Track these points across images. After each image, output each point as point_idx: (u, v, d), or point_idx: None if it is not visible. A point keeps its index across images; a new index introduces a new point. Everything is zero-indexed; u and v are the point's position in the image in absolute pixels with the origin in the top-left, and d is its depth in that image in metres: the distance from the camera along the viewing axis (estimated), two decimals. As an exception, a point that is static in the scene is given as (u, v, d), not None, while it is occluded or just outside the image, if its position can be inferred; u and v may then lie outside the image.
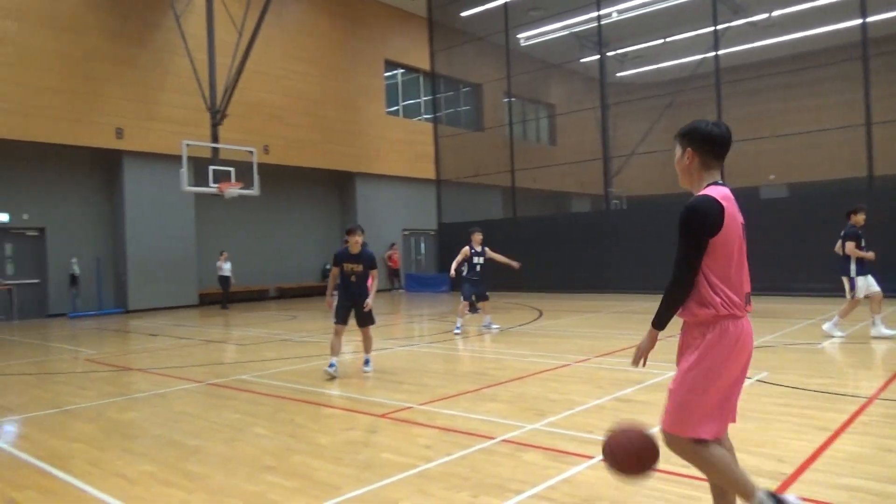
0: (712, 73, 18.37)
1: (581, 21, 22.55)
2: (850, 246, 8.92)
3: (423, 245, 26.93)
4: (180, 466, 4.34)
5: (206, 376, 7.83)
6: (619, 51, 25.59)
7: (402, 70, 26.27)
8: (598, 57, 21.42)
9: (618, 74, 27.18)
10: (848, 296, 9.14)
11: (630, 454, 2.78)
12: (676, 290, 2.70)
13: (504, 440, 4.64)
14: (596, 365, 7.62)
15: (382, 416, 5.52)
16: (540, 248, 20.68)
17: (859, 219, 9.01)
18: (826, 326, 9.23)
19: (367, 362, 7.74)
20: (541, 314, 14.01)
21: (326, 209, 24.47)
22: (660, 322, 2.80)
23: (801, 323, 10.90)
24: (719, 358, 2.66)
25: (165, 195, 18.57)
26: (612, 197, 21.60)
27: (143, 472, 4.25)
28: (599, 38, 20.70)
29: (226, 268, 18.97)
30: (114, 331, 14.03)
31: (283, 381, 7.35)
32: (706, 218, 2.61)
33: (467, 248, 11.21)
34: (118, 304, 18.77)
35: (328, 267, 10.77)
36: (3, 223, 17.12)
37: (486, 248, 11.36)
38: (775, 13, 21.59)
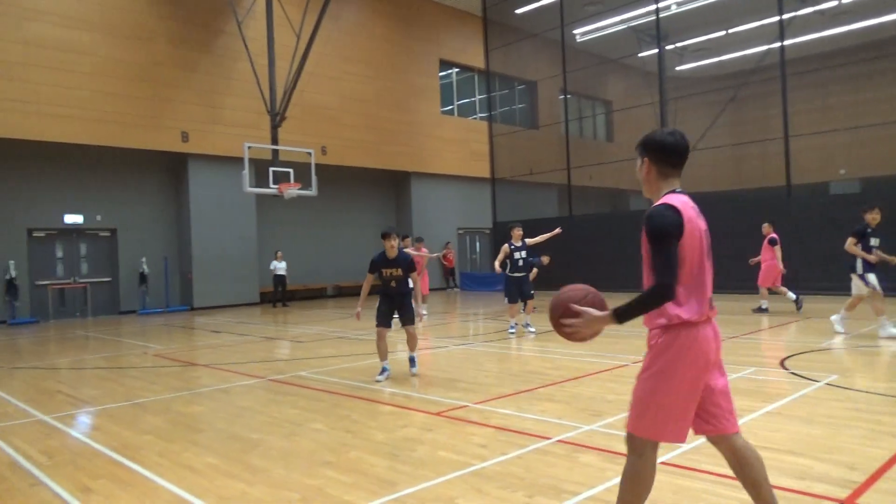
0: (777, 65, 17.67)
1: (639, 14, 22.07)
2: (849, 242, 8.91)
3: (478, 244, 26.93)
4: (242, 459, 4.48)
5: (267, 372, 8.04)
6: (679, 44, 24.95)
7: (456, 69, 26.32)
8: (656, 51, 20.95)
9: (677, 68, 26.50)
10: (864, 292, 8.97)
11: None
12: (660, 298, 2.58)
13: (560, 441, 4.60)
14: (655, 366, 7.45)
15: (437, 414, 5.55)
16: (596, 247, 20.38)
17: (871, 217, 8.90)
18: (833, 318, 9.50)
19: (412, 362, 7.57)
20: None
21: (382, 208, 24.75)
22: (624, 316, 2.65)
23: (871, 325, 10.39)
24: (672, 362, 2.65)
25: (228, 196, 19.17)
26: (671, 194, 21.08)
27: (208, 463, 4.40)
28: (658, 31, 20.23)
29: (280, 267, 19.44)
30: (180, 327, 14.56)
31: (339, 377, 7.48)
32: (669, 226, 2.60)
33: (506, 245, 11.00)
34: (184, 301, 19.48)
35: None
36: (78, 224, 18.00)
37: (526, 241, 11.07)
38: (845, 0, 20.65)
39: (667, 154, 2.76)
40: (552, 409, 5.58)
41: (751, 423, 4.86)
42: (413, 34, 24.13)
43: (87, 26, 16.91)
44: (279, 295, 19.51)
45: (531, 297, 11.19)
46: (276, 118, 17.51)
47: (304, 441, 4.88)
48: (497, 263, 11.02)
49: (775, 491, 2.94)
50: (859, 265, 8.93)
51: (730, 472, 3.75)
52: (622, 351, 8.57)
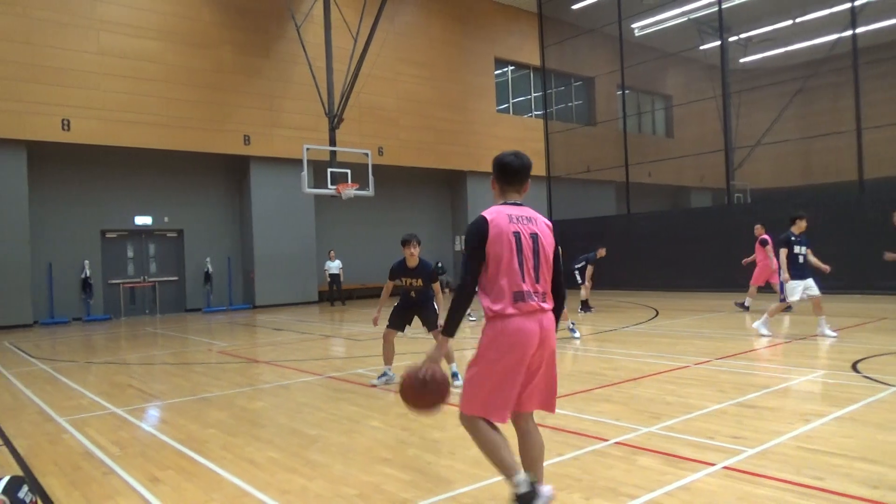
0: (849, 55, 16.86)
1: (700, 6, 21.44)
2: (781, 253, 9.32)
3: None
4: (302, 454, 4.58)
5: (325, 369, 8.19)
6: (743, 35, 24.11)
7: (511, 67, 26.20)
8: (718, 43, 20.30)
9: (741, 60, 25.63)
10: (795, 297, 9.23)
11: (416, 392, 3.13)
12: (457, 293, 3.08)
13: (617, 442, 4.52)
14: (717, 367, 7.24)
15: (493, 413, 5.53)
16: (656, 245, 19.92)
17: (799, 226, 9.30)
18: (756, 324, 9.63)
19: (455, 376, 6.60)
20: (657, 313, 13.50)
21: (438, 208, 24.86)
22: (448, 328, 3.10)
23: (956, 326, 9.81)
24: (490, 351, 3.04)
25: (288, 197, 19.63)
26: (734, 190, 20.42)
27: (269, 458, 4.52)
28: (720, 22, 19.59)
29: (334, 266, 19.77)
30: (243, 325, 15.00)
31: (396, 375, 7.55)
32: (472, 233, 3.11)
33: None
34: (246, 300, 20.05)
35: (440, 265, 9.46)
36: (147, 226, 18.77)
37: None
38: (924, -17, 19.56)
39: (505, 174, 3.25)
40: (610, 410, 5.49)
41: (820, 428, 4.66)
42: (468, 33, 24.15)
43: (157, 36, 17.63)
44: (335, 294, 19.86)
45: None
46: (334, 120, 17.82)
47: (362, 438, 4.95)
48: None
49: (846, 500, 2.83)
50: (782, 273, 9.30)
51: (796, 479, 3.62)
52: (682, 352, 8.36)
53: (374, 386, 6.91)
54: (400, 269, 6.97)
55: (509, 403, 3.06)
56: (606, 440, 4.58)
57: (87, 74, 16.55)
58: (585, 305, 14.12)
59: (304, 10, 19.16)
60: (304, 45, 17.96)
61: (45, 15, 16.04)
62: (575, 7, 23.40)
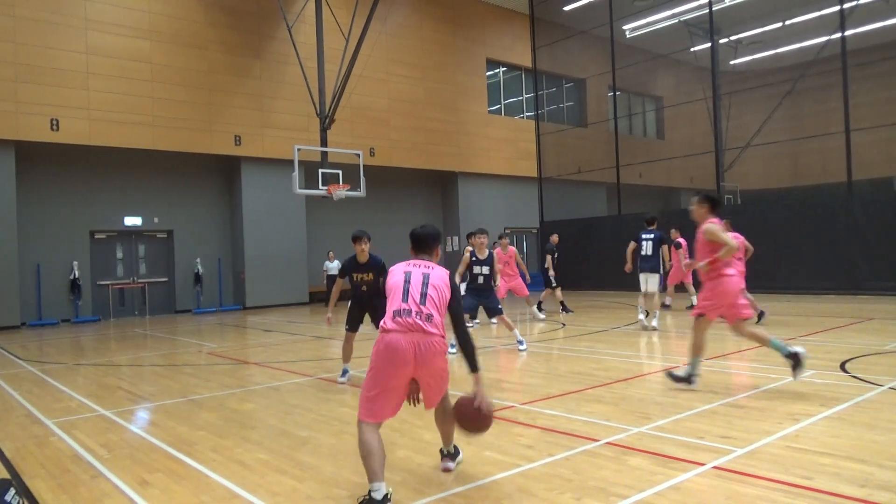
0: (838, 57, 16.99)
1: (690, 8, 21.56)
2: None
3: (525, 243, 26.77)
4: (292, 456, 4.56)
5: (316, 371, 8.17)
6: (733, 37, 24.28)
7: (503, 68, 26.23)
8: (709, 45, 20.42)
9: (731, 62, 25.81)
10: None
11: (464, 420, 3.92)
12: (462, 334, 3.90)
13: (608, 443, 4.53)
14: (706, 368, 7.27)
15: (484, 414, 5.54)
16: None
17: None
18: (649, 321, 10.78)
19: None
20: (647, 314, 13.54)
21: (429, 208, 24.85)
22: (470, 363, 3.90)
23: (943, 326, 9.90)
24: (373, 362, 3.67)
25: (279, 198, 19.57)
26: (724, 192, 20.53)
27: (259, 459, 4.50)
28: (711, 24, 19.70)
29: (332, 267, 19.75)
30: (233, 326, 14.94)
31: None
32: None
33: (467, 254, 9.36)
34: (237, 301, 19.97)
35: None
36: (137, 226, 18.66)
37: (495, 255, 9.48)
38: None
39: (413, 242, 4.06)
40: (600, 410, 5.50)
41: (809, 427, 4.69)
42: (460, 34, 24.16)
43: (147, 35, 17.54)
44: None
45: (499, 312, 9.22)
46: (325, 120, 17.78)
47: (353, 439, 4.92)
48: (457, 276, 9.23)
49: (835, 498, 2.85)
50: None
51: (785, 478, 3.64)
52: (672, 352, 8.40)
53: (341, 384, 7.20)
54: (351, 266, 7.18)
55: (386, 411, 3.65)
56: (597, 440, 4.59)
57: (76, 74, 16.44)
58: (564, 306, 14.23)
59: (296, 11, 19.11)
60: (296, 46, 17.91)
61: (33, 14, 15.92)
62: (566, 9, 23.48)
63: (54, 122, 16.06)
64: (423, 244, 4.02)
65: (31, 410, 6.43)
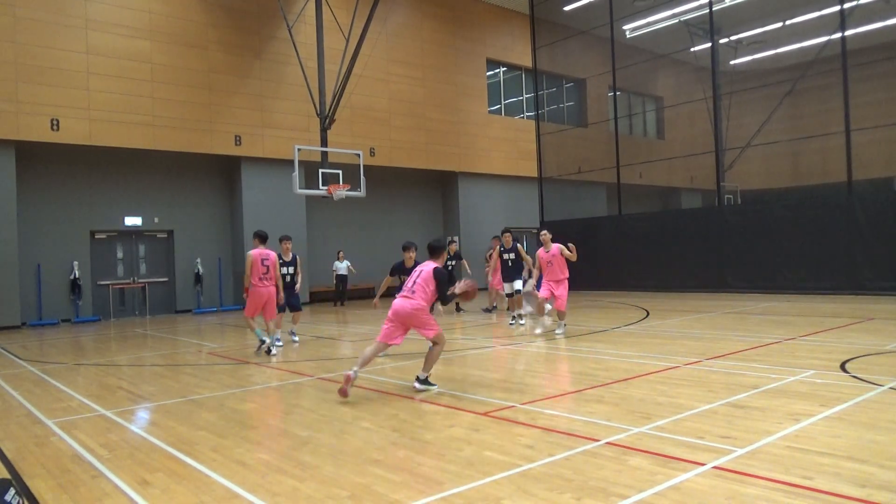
0: (838, 57, 16.99)
1: (691, 8, 21.56)
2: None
3: (525, 243, 26.76)
4: (293, 456, 4.56)
5: (316, 371, 8.17)
6: (733, 37, 24.28)
7: (503, 68, 26.24)
8: (709, 45, 20.41)
9: (731, 62, 25.81)
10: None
11: None
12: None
13: (608, 443, 4.53)
14: (707, 368, 7.28)
15: (484, 414, 5.54)
16: (647, 246, 20.00)
17: (505, 241, 12.76)
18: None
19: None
20: (647, 314, 13.55)
21: (430, 208, 24.86)
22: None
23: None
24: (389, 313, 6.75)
25: (279, 198, 19.57)
26: (724, 192, 20.53)
27: (260, 459, 4.50)
28: (711, 24, 19.70)
29: (342, 267, 19.79)
30: (233, 326, 14.93)
31: (387, 376, 7.55)
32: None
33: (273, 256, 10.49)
34: (237, 301, 19.96)
35: (451, 264, 12.58)
36: (137, 226, 18.67)
37: (299, 258, 11.12)
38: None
39: (428, 249, 6.91)
40: (601, 410, 5.50)
41: (809, 427, 4.69)
42: (460, 34, 24.17)
43: (147, 35, 17.55)
44: (340, 294, 19.90)
45: (299, 308, 11.25)
46: (326, 120, 17.78)
47: (353, 439, 4.94)
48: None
49: (835, 499, 2.85)
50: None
51: (786, 478, 3.64)
52: (672, 352, 8.40)
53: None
54: (400, 269, 9.02)
55: (392, 337, 6.61)
56: (597, 440, 4.59)
57: (76, 74, 16.45)
58: (489, 307, 15.33)
59: (296, 11, 19.11)
60: (296, 46, 17.92)
61: (33, 14, 15.93)
62: (567, 9, 23.48)
63: (54, 122, 16.07)
64: (431, 252, 6.90)
65: (31, 410, 6.43)
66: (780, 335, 9.62)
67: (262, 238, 9.97)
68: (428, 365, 6.57)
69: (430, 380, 6.63)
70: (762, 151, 23.31)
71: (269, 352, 9.59)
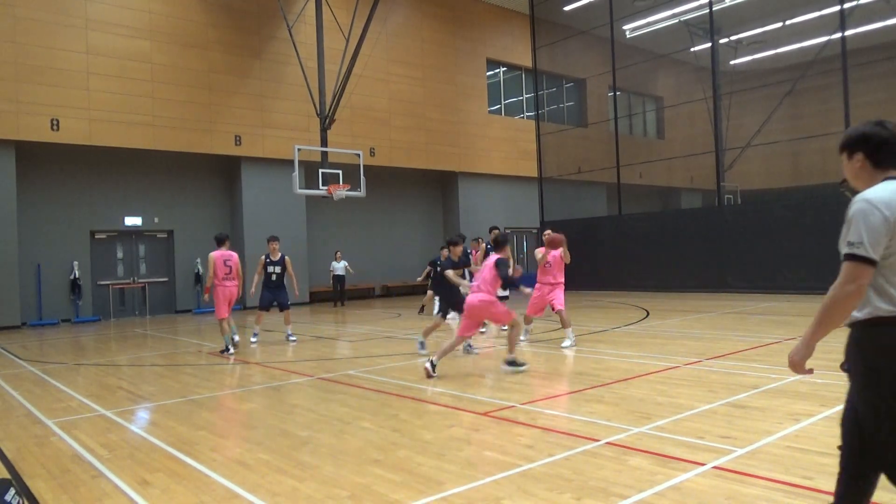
0: (838, 57, 16.98)
1: (691, 8, 21.55)
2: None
3: (525, 243, 26.78)
4: (293, 456, 4.56)
5: (316, 371, 8.17)
6: (733, 37, 24.28)
7: (503, 68, 26.23)
8: (709, 45, 20.41)
9: (731, 62, 25.80)
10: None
11: None
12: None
13: (608, 443, 4.53)
14: (707, 368, 7.28)
15: (484, 414, 5.54)
16: (647, 246, 20.00)
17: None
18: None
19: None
20: (647, 314, 13.55)
21: (430, 209, 24.85)
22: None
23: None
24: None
25: (279, 198, 19.57)
26: (724, 192, 20.53)
27: (259, 459, 4.50)
28: (711, 24, 19.69)
29: (339, 267, 19.77)
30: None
31: (387, 377, 7.55)
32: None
33: (263, 257, 11.40)
34: (237, 301, 19.92)
35: (440, 261, 12.05)
36: (137, 226, 18.67)
37: (288, 258, 11.48)
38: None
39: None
40: (601, 410, 5.50)
41: (809, 427, 4.69)
42: (460, 34, 24.17)
43: (147, 35, 17.55)
44: (338, 294, 19.89)
45: (286, 307, 11.53)
46: (326, 121, 17.78)
47: (353, 439, 4.94)
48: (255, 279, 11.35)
49: (827, 497, 2.84)
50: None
51: (786, 478, 3.64)
52: (672, 352, 8.40)
53: (423, 354, 8.66)
54: (449, 263, 9.56)
55: (469, 330, 7.52)
56: (597, 440, 4.59)
57: (76, 74, 16.44)
58: (423, 308, 15.34)
59: (296, 11, 19.11)
60: (296, 46, 17.92)
61: (33, 14, 15.92)
62: (567, 9, 23.48)
63: (54, 122, 16.07)
64: (496, 246, 7.83)
65: (31, 410, 6.43)
66: (780, 335, 9.62)
67: (219, 241, 10.43)
68: (511, 346, 7.49)
69: (516, 360, 7.45)
70: (762, 151, 23.30)
71: (226, 350, 9.99)
